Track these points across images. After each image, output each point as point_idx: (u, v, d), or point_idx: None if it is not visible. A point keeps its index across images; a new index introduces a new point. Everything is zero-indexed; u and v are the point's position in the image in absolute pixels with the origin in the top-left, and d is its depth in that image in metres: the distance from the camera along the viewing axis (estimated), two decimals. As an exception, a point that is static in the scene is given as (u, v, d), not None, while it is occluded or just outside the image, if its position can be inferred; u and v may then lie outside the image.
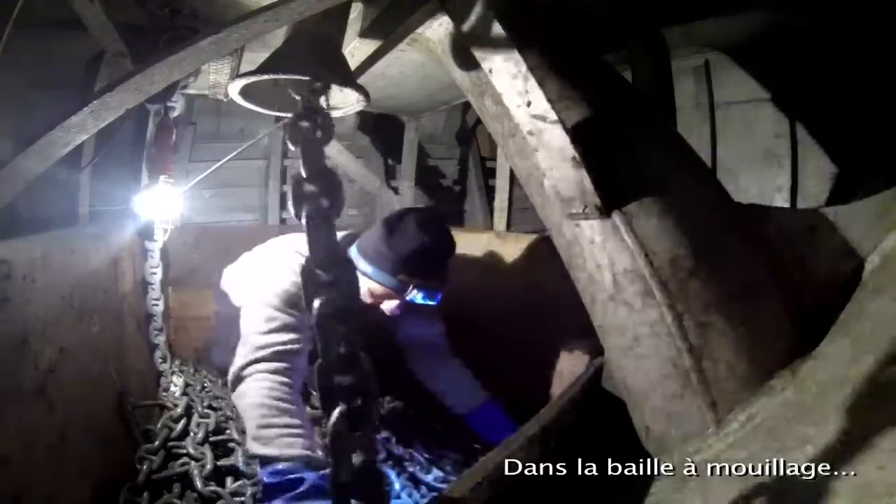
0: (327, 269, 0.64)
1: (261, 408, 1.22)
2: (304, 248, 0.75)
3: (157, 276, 1.91)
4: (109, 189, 1.96)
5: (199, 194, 2.70)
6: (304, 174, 0.70)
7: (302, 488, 1.10)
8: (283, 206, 3.15)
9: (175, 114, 1.74)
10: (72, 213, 1.92)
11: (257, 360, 1.29)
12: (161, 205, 1.77)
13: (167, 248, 1.97)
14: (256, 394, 1.24)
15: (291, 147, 0.77)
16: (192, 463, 1.39)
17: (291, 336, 1.33)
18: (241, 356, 1.32)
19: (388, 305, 1.47)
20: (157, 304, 1.91)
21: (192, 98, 2.32)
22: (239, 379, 1.30)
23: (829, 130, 1.97)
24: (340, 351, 0.62)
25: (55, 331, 1.17)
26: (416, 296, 1.43)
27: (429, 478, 1.45)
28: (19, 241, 1.11)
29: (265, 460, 1.17)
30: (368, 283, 1.44)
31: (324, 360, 0.61)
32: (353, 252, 1.49)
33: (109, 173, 2.01)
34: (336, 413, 0.59)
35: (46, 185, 1.37)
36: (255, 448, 1.19)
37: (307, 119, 0.79)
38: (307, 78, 0.92)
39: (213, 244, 2.21)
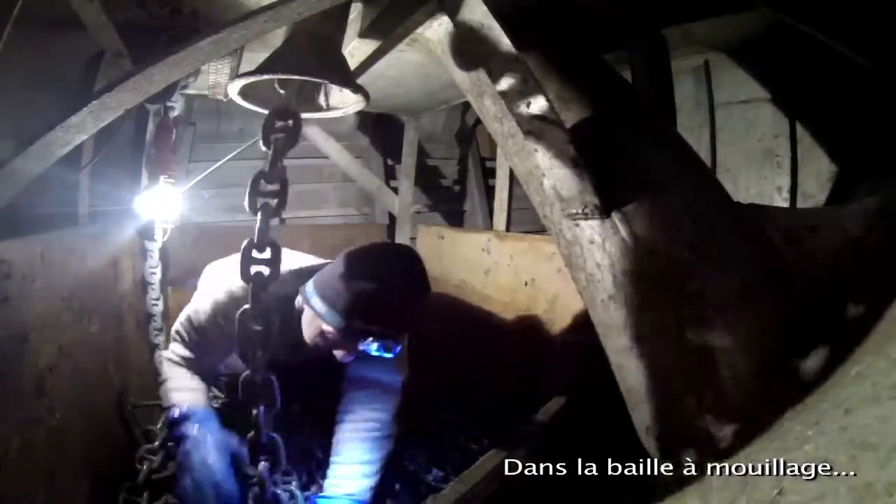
0: (262, 251, 0.86)
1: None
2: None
3: (156, 276, 1.91)
4: (109, 189, 1.96)
5: (199, 194, 2.70)
6: (265, 173, 0.89)
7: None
8: (282, 205, 3.15)
9: (175, 114, 1.74)
10: (72, 213, 1.92)
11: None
12: (161, 205, 1.77)
13: (167, 248, 1.97)
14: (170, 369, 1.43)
15: (263, 147, 0.90)
16: (192, 463, 1.39)
17: (185, 353, 1.43)
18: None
19: (340, 352, 1.28)
20: (156, 304, 1.90)
21: (192, 98, 2.33)
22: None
23: (829, 130, 1.97)
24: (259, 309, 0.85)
25: (55, 330, 1.18)
26: (370, 346, 1.21)
27: (429, 478, 1.46)
28: (19, 240, 1.11)
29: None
30: (321, 325, 1.25)
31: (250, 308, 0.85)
32: (309, 287, 1.29)
33: (109, 173, 2.01)
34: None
35: (46, 185, 1.37)
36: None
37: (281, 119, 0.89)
38: (306, 78, 0.92)
39: (212, 244, 2.22)
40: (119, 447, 1.41)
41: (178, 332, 1.43)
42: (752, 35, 1.78)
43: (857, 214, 0.97)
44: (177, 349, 1.44)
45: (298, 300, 1.34)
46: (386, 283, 1.19)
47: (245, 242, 0.86)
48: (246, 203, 0.86)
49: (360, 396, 1.45)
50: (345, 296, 1.20)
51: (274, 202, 0.89)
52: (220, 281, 1.42)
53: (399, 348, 1.26)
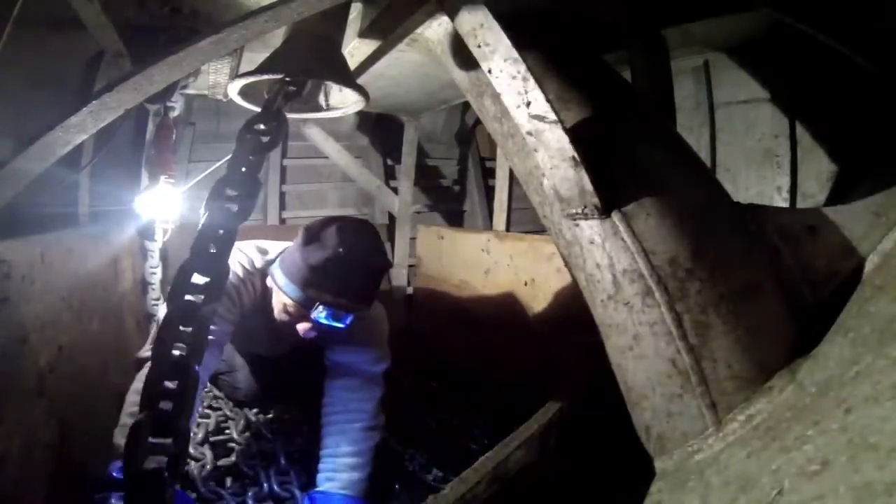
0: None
1: (137, 394, 1.07)
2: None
3: (156, 276, 1.91)
4: (109, 189, 1.96)
5: (199, 194, 2.70)
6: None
7: None
8: (282, 205, 3.16)
9: (175, 114, 1.74)
10: (72, 213, 1.92)
11: None
12: (161, 205, 1.77)
13: (167, 248, 1.97)
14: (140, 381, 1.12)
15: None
16: (192, 463, 1.39)
17: None
18: (151, 338, 1.23)
19: (302, 326, 1.30)
20: (156, 304, 1.91)
21: (192, 98, 2.33)
22: (140, 363, 1.19)
23: (829, 130, 1.97)
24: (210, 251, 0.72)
25: (54, 330, 1.17)
26: (320, 314, 1.23)
27: (429, 478, 1.46)
28: (19, 241, 1.11)
29: (119, 453, 1.05)
30: (283, 299, 1.29)
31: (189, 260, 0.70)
32: (275, 264, 1.34)
33: (109, 173, 2.00)
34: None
35: (46, 185, 1.37)
36: (117, 437, 1.08)
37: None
38: (306, 78, 0.92)
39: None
40: (119, 447, 1.41)
41: None
42: (752, 35, 1.78)
43: (857, 215, 0.97)
44: None
45: (268, 280, 1.36)
46: (339, 252, 1.22)
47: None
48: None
49: (342, 386, 1.46)
50: (300, 266, 1.23)
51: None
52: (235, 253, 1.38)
53: (350, 318, 1.26)
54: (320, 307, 1.23)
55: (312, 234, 1.27)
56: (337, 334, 1.32)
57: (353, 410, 1.43)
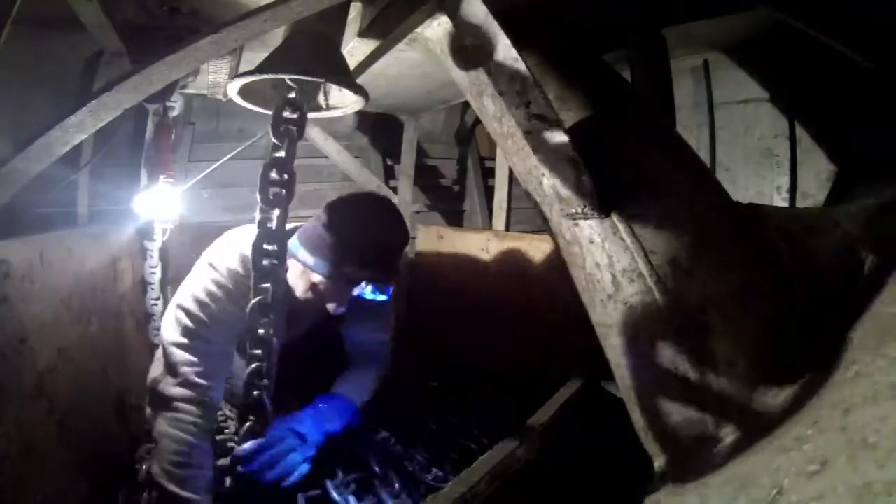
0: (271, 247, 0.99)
1: (181, 443, 1.15)
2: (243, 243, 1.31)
3: (156, 276, 1.91)
4: (109, 189, 1.96)
5: (199, 194, 2.70)
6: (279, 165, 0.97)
7: None
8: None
9: (174, 113, 1.74)
10: (71, 213, 1.92)
11: (181, 384, 1.19)
12: (160, 204, 1.77)
13: (166, 247, 1.97)
14: (179, 426, 1.17)
15: (276, 141, 0.96)
16: (192, 463, 1.38)
17: (207, 347, 1.25)
18: (161, 370, 1.22)
19: (332, 304, 1.31)
20: (156, 304, 1.90)
21: (191, 98, 2.32)
22: (162, 398, 1.19)
23: (829, 130, 1.97)
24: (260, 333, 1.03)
25: (54, 331, 1.17)
26: (364, 290, 1.27)
27: (429, 478, 1.45)
28: (18, 241, 1.11)
29: (171, 498, 1.10)
30: (311, 276, 1.29)
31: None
32: (293, 242, 1.30)
33: (108, 173, 2.01)
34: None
35: (46, 184, 1.37)
36: (165, 483, 1.11)
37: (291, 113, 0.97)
38: (306, 78, 0.92)
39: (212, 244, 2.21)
40: (119, 447, 1.41)
41: (181, 344, 1.23)
42: (752, 35, 1.78)
43: (856, 214, 0.97)
44: (182, 357, 1.22)
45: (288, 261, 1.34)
46: (371, 228, 1.26)
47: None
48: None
49: (361, 356, 1.65)
50: (333, 244, 1.24)
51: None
52: (227, 249, 1.35)
53: (391, 289, 1.32)
54: (364, 283, 1.26)
55: (339, 212, 1.29)
56: (363, 306, 1.37)
57: (371, 360, 1.64)
